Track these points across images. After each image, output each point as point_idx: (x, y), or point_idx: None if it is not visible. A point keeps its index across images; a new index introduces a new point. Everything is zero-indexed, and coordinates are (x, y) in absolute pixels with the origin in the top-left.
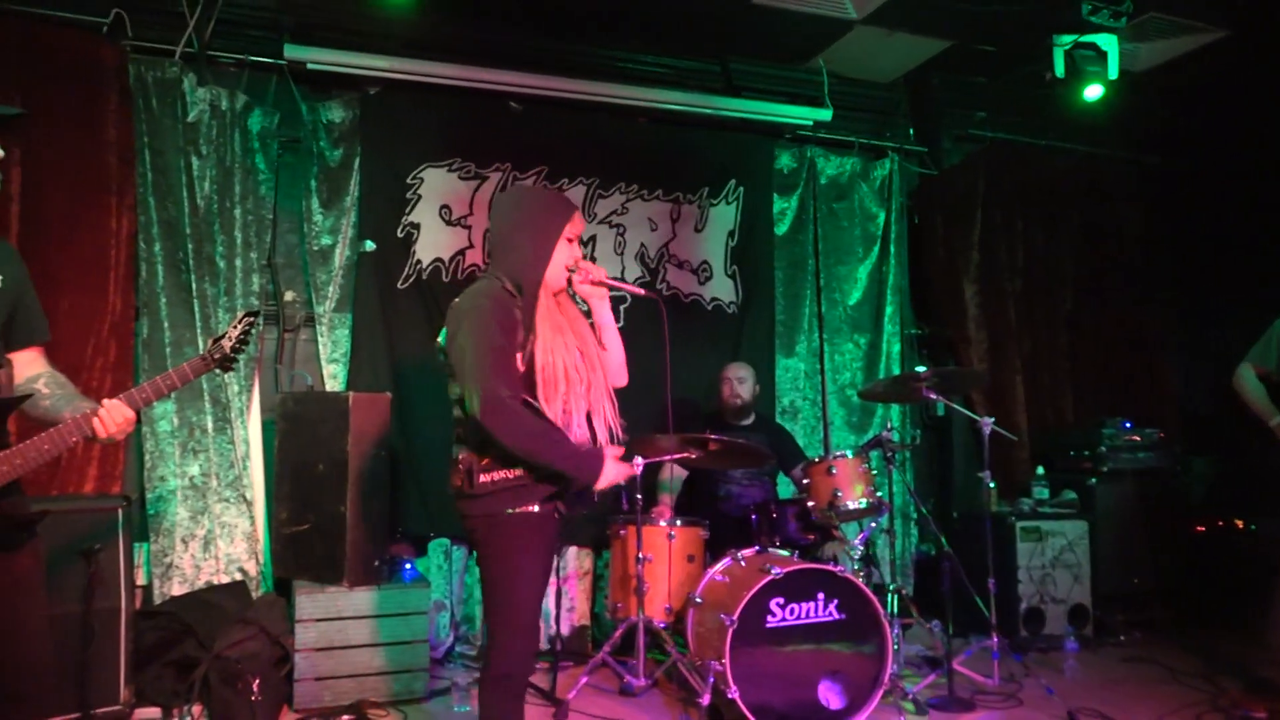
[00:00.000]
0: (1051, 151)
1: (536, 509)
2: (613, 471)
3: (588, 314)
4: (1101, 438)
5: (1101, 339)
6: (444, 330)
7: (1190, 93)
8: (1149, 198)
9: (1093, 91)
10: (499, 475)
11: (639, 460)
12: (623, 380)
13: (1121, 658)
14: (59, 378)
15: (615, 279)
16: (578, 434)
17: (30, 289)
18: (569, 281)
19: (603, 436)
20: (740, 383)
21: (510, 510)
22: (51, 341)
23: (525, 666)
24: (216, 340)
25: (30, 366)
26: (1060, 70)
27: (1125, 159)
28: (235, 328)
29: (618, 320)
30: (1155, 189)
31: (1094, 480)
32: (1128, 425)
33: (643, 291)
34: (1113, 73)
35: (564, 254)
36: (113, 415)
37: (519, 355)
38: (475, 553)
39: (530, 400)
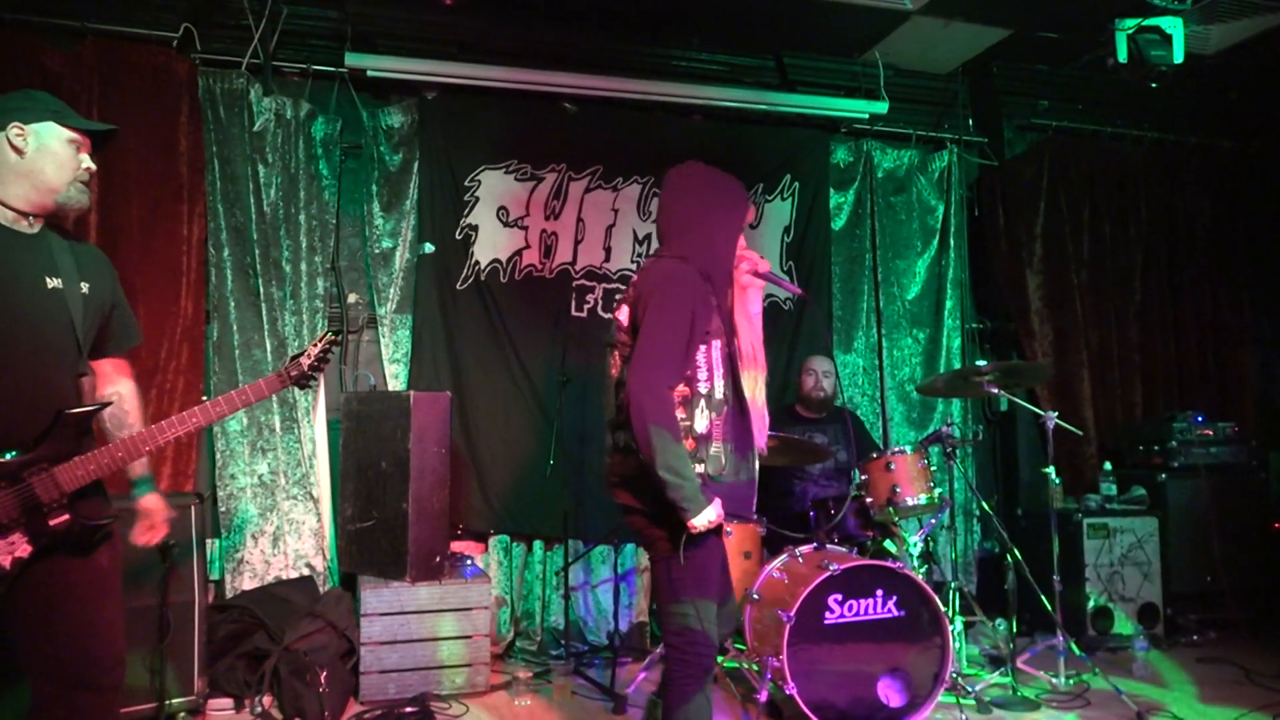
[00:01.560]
0: (1118, 139)
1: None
2: (711, 515)
3: None
4: (1172, 432)
5: (1173, 331)
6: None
7: (1264, 74)
8: (1222, 184)
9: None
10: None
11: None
12: None
13: (1194, 658)
14: (124, 405)
15: (774, 274)
16: (761, 434)
17: (121, 296)
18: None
19: (760, 443)
20: (825, 376)
21: None
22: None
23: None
24: (294, 358)
25: (110, 377)
26: (1123, 55)
27: (1197, 145)
28: (315, 346)
29: None
30: (1228, 175)
31: (1164, 476)
32: (1200, 419)
33: (799, 291)
34: (1178, 56)
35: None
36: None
37: (711, 345)
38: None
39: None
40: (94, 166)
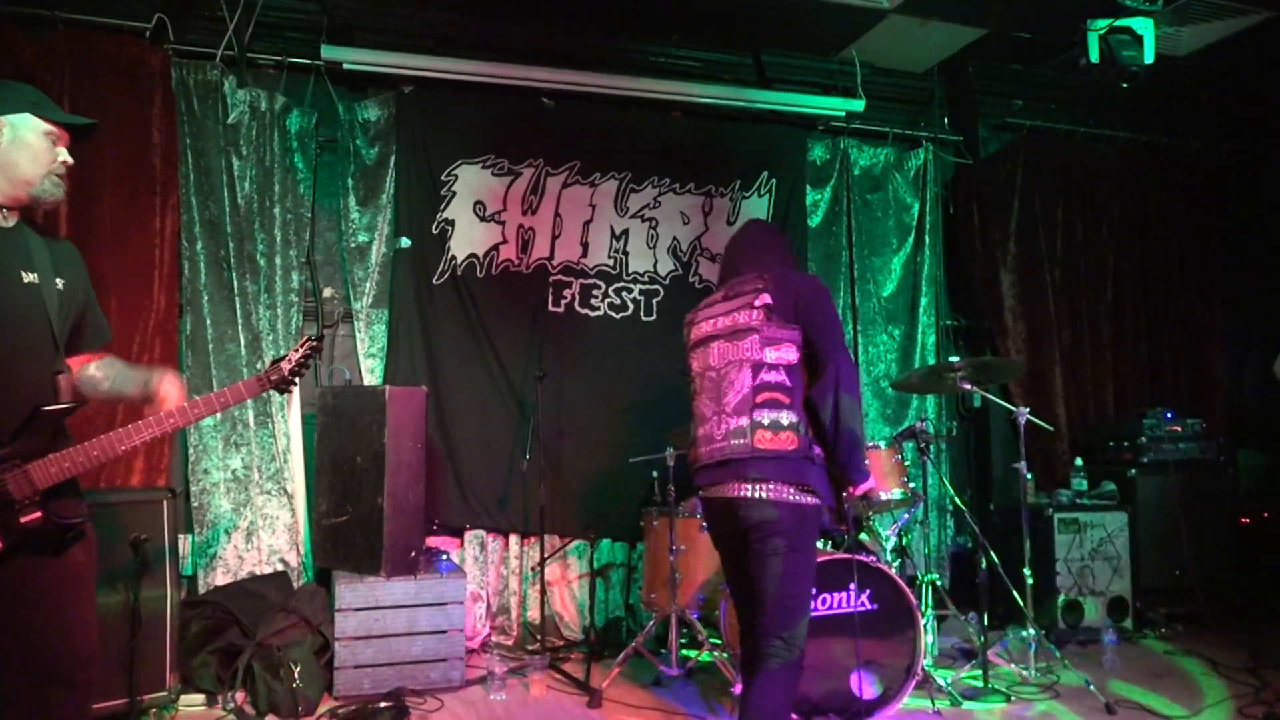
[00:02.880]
0: (1092, 139)
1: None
2: (870, 484)
3: None
4: (1142, 428)
5: (1144, 329)
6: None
7: (1235, 76)
8: (1193, 185)
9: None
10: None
11: (672, 450)
12: None
13: (1162, 651)
14: (106, 358)
15: None
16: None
17: (93, 294)
18: None
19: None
20: None
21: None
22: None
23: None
24: (275, 362)
25: (85, 359)
26: (1095, 55)
27: (1169, 145)
28: (296, 351)
29: (651, 313)
30: (1200, 176)
31: (1134, 471)
32: (1169, 416)
33: None
34: (1149, 57)
35: None
36: (173, 391)
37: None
38: (764, 542)
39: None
40: (71, 160)
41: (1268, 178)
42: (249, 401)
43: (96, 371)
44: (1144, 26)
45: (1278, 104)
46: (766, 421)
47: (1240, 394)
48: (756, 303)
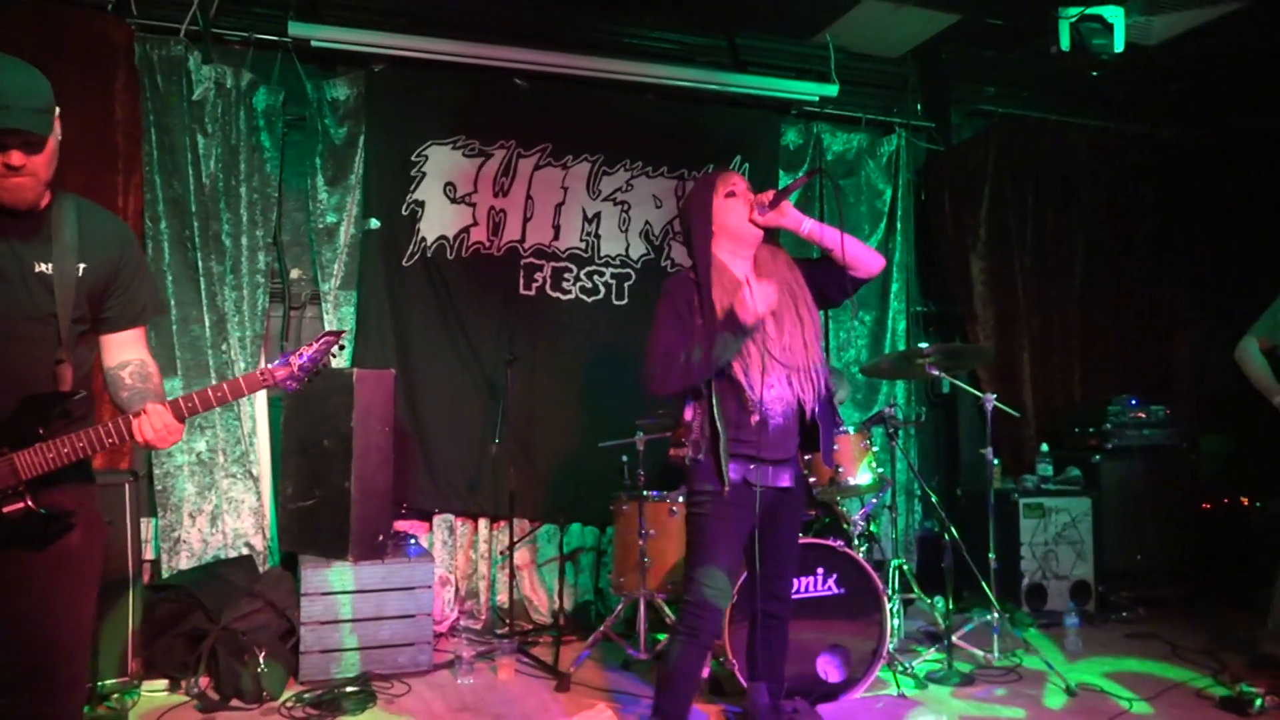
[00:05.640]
0: (1064, 126)
1: None
2: None
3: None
4: (1107, 415)
5: (1112, 316)
6: None
7: (1204, 66)
8: (1162, 173)
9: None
10: None
11: (642, 435)
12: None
13: (1124, 634)
14: (147, 368)
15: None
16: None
17: (131, 266)
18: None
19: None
20: None
21: None
22: None
23: None
24: (285, 356)
25: (126, 349)
26: (1065, 43)
27: (1139, 134)
28: (310, 346)
29: (623, 297)
30: (1169, 164)
31: (1099, 457)
32: (1134, 402)
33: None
34: (1119, 45)
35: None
36: (153, 420)
37: None
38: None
39: None
40: (16, 162)
41: (1236, 166)
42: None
43: (128, 376)
44: (1114, 15)
45: (1247, 93)
46: None
47: (1207, 380)
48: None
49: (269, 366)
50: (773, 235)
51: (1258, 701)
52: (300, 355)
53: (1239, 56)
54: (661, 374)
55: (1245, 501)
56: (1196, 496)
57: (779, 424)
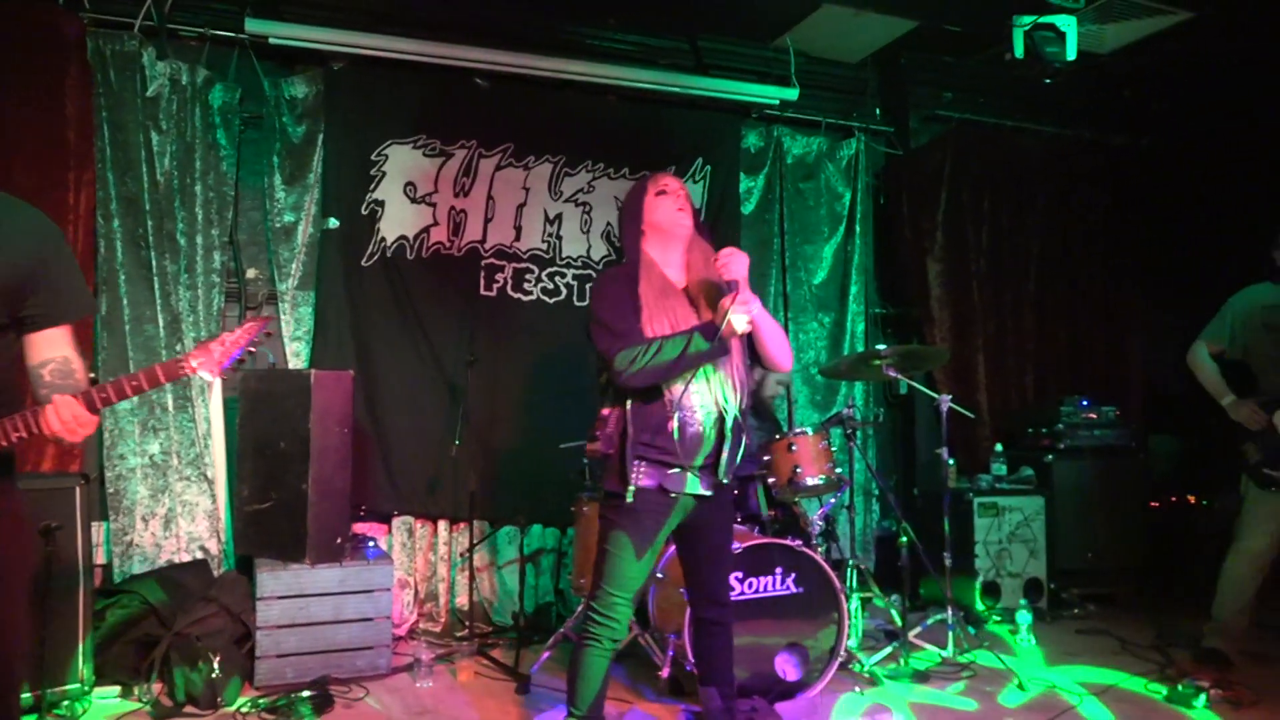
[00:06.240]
0: (1019, 132)
1: None
2: None
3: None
4: (1060, 415)
5: (1066, 319)
6: None
7: (1155, 74)
8: (1115, 179)
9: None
10: None
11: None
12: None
13: (1075, 630)
14: (70, 365)
15: None
16: None
17: (53, 264)
18: None
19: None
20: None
21: None
22: None
23: None
24: (203, 344)
25: (50, 348)
26: (1020, 50)
27: (1092, 140)
28: (232, 333)
29: (584, 298)
30: (1121, 170)
31: (1051, 457)
32: (1085, 403)
33: None
34: (1071, 53)
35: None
36: (60, 412)
37: None
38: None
39: None
40: None
41: (1185, 171)
42: (168, 385)
43: (44, 372)
44: (1067, 24)
45: (1196, 101)
46: None
47: (1158, 382)
48: None
49: (186, 354)
50: (703, 237)
51: (1201, 696)
52: (221, 342)
53: (1189, 65)
54: (640, 370)
55: (1193, 500)
56: (1146, 495)
57: (697, 431)
